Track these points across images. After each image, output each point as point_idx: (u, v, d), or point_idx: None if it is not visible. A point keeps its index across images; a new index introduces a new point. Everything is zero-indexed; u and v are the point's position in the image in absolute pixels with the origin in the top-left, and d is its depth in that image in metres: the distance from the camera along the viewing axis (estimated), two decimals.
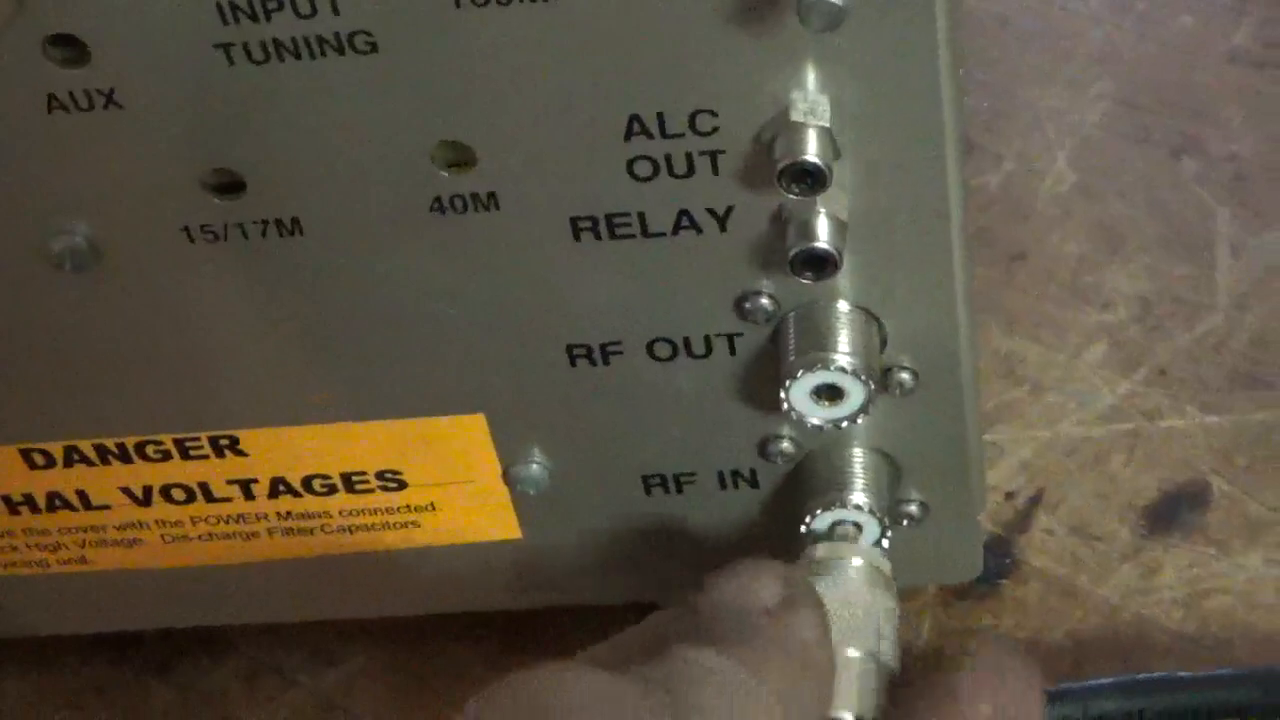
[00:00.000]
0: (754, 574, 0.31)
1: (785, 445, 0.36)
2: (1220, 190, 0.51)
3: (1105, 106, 0.54)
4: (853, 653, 0.32)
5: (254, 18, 0.31)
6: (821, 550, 0.35)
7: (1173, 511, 0.43)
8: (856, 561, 0.34)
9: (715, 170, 0.32)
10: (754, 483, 0.37)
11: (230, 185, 0.33)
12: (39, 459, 0.38)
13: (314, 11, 0.31)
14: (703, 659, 0.29)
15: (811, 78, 0.31)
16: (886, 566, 0.34)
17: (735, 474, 0.37)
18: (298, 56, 0.31)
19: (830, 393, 0.34)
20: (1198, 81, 0.55)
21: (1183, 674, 0.37)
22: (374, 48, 0.31)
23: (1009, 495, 0.44)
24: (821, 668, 0.30)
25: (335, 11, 0.31)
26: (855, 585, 0.34)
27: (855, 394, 0.34)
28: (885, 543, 0.36)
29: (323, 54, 0.31)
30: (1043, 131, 0.54)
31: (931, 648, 0.42)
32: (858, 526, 0.36)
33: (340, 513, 0.39)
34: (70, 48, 0.31)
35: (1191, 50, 0.56)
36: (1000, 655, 0.32)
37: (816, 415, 0.34)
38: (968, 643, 0.41)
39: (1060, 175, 0.52)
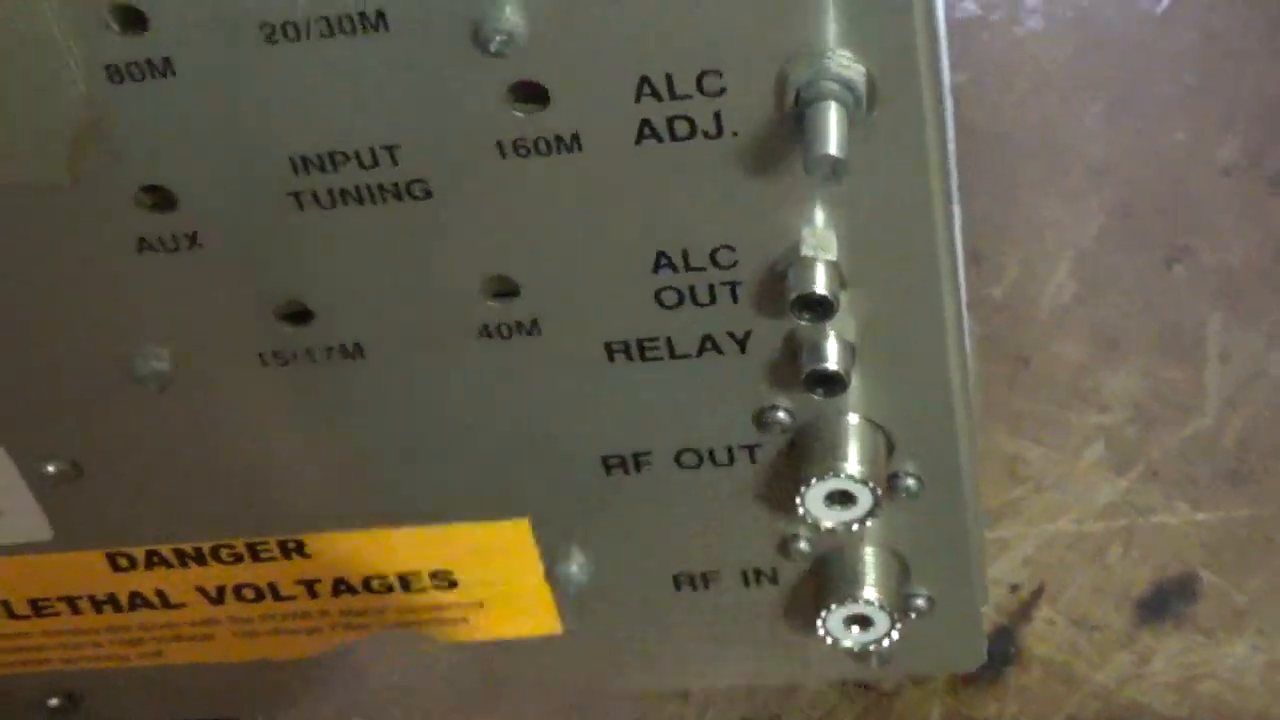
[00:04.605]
0: None
1: (803, 544, 0.40)
2: (1210, 296, 0.54)
3: (1102, 218, 0.58)
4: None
5: (323, 169, 0.34)
6: None
7: (1164, 602, 0.46)
8: None
9: (735, 299, 0.36)
10: (774, 579, 0.41)
11: (299, 314, 0.37)
12: (123, 562, 0.42)
13: (375, 163, 0.34)
14: None
15: (819, 216, 0.34)
16: None
17: (757, 572, 0.41)
18: (360, 202, 0.35)
19: (842, 498, 0.37)
20: (1190, 192, 0.58)
21: None
22: (428, 193, 0.35)
23: (1013, 588, 0.47)
24: None
25: (394, 163, 0.34)
26: None
27: (864, 500, 0.37)
28: (895, 634, 0.39)
29: (383, 199, 0.35)
30: (1043, 242, 0.57)
31: None
32: (869, 620, 0.39)
33: (396, 609, 0.42)
34: (160, 196, 0.35)
35: (1184, 163, 0.59)
36: None
37: (829, 518, 0.38)
38: None
39: (1061, 284, 0.55)
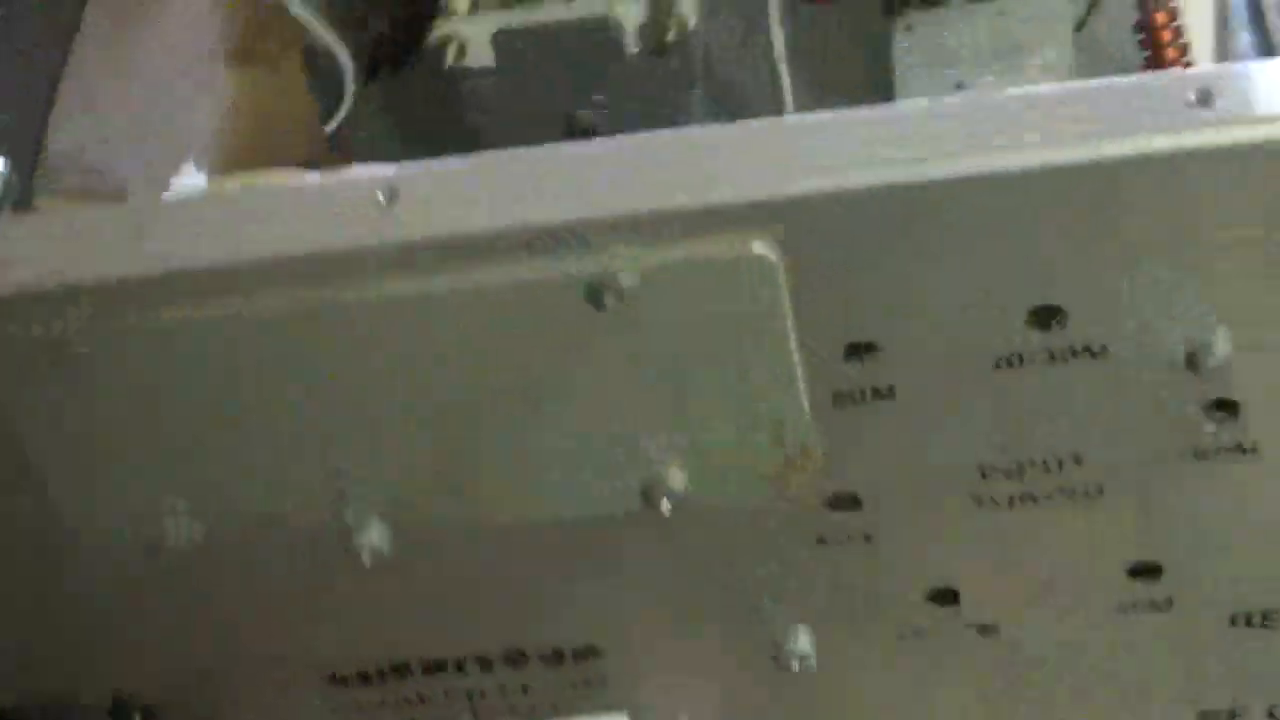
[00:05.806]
0: None
1: None
2: None
3: None
4: None
5: (1008, 475, 0.38)
6: None
7: None
8: None
9: None
10: None
11: (946, 595, 0.41)
12: None
13: (1060, 468, 0.38)
14: None
15: None
16: None
17: None
18: (1034, 502, 0.39)
19: None
20: None
21: None
22: (1099, 492, 0.38)
23: None
24: None
25: (1077, 466, 0.38)
26: None
27: None
28: None
29: (1055, 499, 0.38)
30: None
31: None
32: None
33: None
34: (847, 499, 0.39)
35: None
36: None
37: None
38: None
39: None
